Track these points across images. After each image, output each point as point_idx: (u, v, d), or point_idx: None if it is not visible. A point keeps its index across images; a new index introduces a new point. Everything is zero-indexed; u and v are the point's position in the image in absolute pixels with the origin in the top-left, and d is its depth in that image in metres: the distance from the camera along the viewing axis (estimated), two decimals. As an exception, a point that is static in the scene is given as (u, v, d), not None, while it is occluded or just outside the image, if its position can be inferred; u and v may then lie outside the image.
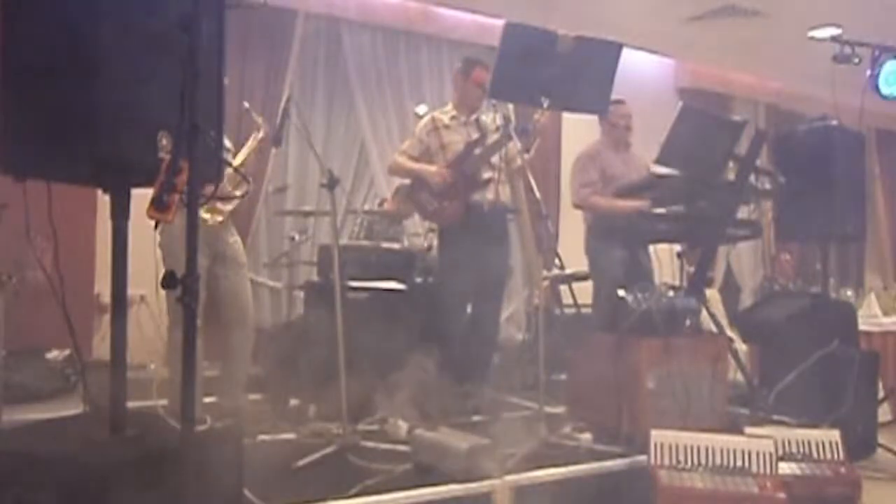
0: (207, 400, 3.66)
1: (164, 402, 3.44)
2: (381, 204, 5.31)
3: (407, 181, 4.33)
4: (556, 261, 5.50)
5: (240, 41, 5.43)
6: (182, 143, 1.81)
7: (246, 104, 3.94)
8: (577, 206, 4.62)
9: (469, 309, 4.22)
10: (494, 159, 4.00)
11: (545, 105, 3.51)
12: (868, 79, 4.20)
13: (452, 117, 4.21)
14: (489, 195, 4.07)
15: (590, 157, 4.65)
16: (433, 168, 4.11)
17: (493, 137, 4.03)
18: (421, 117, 4.38)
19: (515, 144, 3.70)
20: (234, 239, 3.78)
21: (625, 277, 4.28)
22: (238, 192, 3.60)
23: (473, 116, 4.22)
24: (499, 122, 3.94)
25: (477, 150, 4.05)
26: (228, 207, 3.68)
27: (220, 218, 3.65)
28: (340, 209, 4.21)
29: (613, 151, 4.66)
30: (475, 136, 4.12)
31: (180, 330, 1.76)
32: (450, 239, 4.16)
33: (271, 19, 5.58)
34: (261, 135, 3.84)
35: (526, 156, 3.82)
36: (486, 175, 4.07)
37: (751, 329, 4.32)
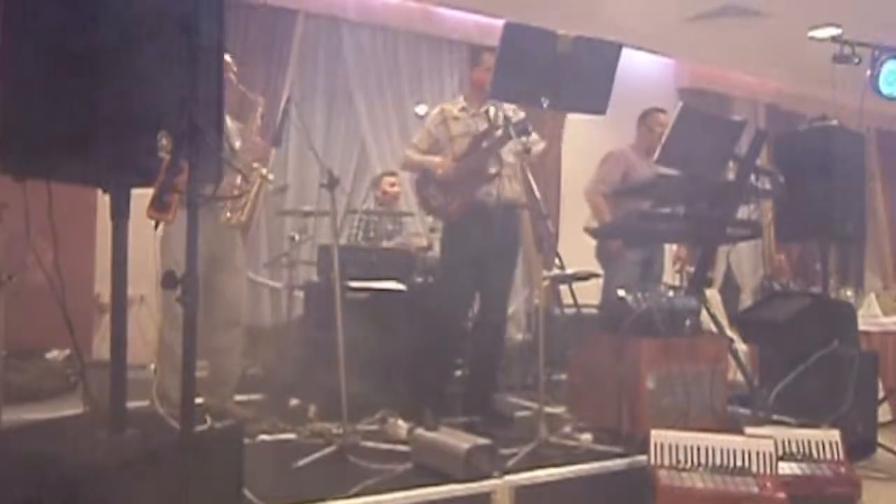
0: (197, 400, 3.61)
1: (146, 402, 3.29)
2: (379, 204, 5.32)
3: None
4: (556, 261, 5.50)
5: (240, 41, 5.43)
6: (182, 143, 1.82)
7: (241, 87, 3.65)
8: (586, 195, 4.72)
9: (474, 309, 4.16)
10: (504, 153, 3.89)
11: (545, 105, 3.50)
12: (868, 79, 4.20)
13: (462, 108, 4.07)
14: (494, 190, 3.90)
15: (616, 158, 4.73)
16: (437, 159, 3.98)
17: (500, 131, 3.86)
18: (421, 117, 4.34)
19: (525, 141, 3.61)
20: (236, 242, 3.70)
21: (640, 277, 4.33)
22: (252, 186, 3.55)
23: (483, 108, 4.04)
24: (508, 115, 3.82)
25: (485, 143, 3.90)
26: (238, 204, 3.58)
27: (243, 218, 3.60)
28: (340, 209, 4.20)
29: (643, 156, 4.69)
30: (483, 127, 3.97)
31: (174, 330, 1.76)
32: (454, 235, 4.01)
33: (271, 19, 5.59)
34: (260, 110, 3.69)
35: (526, 155, 3.79)
36: (493, 169, 3.92)
37: (751, 329, 4.31)
